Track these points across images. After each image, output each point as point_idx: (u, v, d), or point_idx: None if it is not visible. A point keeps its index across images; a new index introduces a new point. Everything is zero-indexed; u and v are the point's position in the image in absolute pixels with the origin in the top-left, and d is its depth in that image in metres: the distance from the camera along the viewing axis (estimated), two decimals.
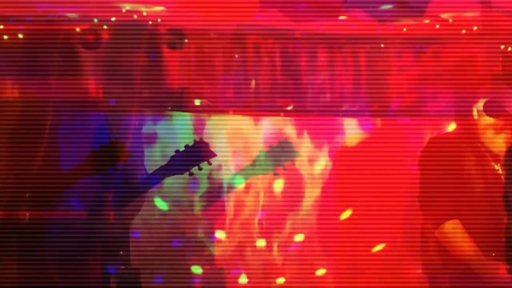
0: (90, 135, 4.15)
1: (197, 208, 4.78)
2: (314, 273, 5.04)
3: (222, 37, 4.81)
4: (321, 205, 5.08)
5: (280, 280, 5.03)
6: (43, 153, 4.04)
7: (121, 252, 4.19)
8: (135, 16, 4.61)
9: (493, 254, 4.04)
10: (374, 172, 4.92)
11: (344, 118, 5.06)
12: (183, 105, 4.76)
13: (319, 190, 5.08)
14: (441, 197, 4.06)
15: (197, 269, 4.79)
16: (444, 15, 4.89)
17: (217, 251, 4.90)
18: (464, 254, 4.06)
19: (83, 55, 4.34)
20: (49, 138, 4.07)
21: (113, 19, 4.55)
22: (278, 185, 5.02)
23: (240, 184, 4.78)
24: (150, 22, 4.58)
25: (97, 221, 4.08)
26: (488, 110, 4.16)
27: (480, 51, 4.87)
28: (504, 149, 4.15)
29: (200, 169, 4.15)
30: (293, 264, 5.04)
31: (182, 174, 4.16)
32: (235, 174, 4.70)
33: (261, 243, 5.01)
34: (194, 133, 4.80)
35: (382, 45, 4.99)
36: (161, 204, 4.79)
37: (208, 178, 4.77)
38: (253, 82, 4.83)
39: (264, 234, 5.01)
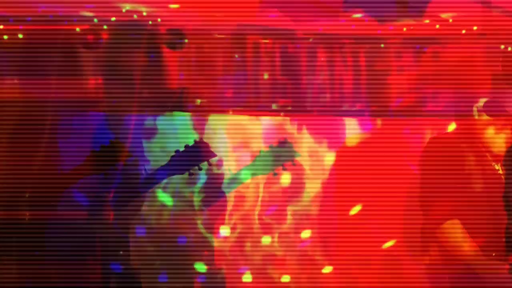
0: (90, 135, 4.15)
1: (197, 203, 4.77)
2: (320, 271, 5.04)
3: (222, 37, 4.81)
4: (321, 205, 5.08)
5: (285, 278, 5.03)
6: (43, 153, 4.04)
7: (121, 252, 4.19)
8: (135, 16, 4.60)
9: (493, 254, 4.04)
10: (374, 172, 4.92)
11: (344, 118, 5.06)
12: (183, 105, 4.76)
13: (319, 190, 5.08)
14: (441, 197, 4.06)
15: (201, 266, 4.79)
16: (444, 15, 4.89)
17: (221, 248, 4.90)
18: (464, 254, 4.06)
19: (83, 55, 4.34)
20: (49, 138, 4.07)
21: (113, 19, 4.54)
22: (285, 180, 5.02)
23: (240, 184, 4.78)
24: (150, 22, 4.58)
25: (97, 221, 4.08)
26: (488, 110, 4.16)
27: (480, 51, 4.86)
28: (504, 149, 4.15)
29: (200, 169, 4.15)
30: (299, 261, 5.05)
31: (182, 174, 4.16)
32: (235, 174, 4.70)
33: (266, 239, 5.01)
34: (194, 129, 4.80)
35: (382, 45, 4.99)
36: (166, 199, 4.78)
37: (208, 174, 4.77)
38: (266, 75, 4.83)
39: (268, 231, 5.02)
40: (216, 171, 4.75)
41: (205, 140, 4.23)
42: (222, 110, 4.86)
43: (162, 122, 4.70)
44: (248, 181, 4.75)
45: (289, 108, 4.94)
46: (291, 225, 5.06)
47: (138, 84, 4.36)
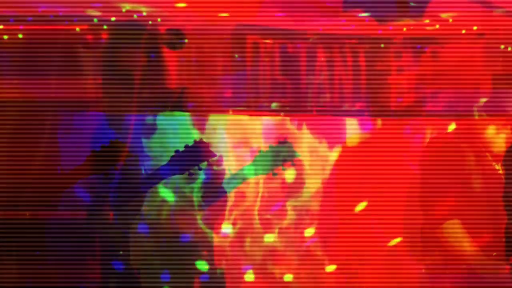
0: (90, 135, 4.15)
1: (197, 201, 4.77)
2: (323, 269, 5.04)
3: (222, 37, 4.81)
4: (321, 205, 5.08)
5: (288, 277, 5.03)
6: (43, 153, 4.04)
7: (120, 252, 4.19)
8: (135, 16, 4.60)
9: (494, 254, 4.04)
10: (374, 172, 4.92)
11: (344, 118, 5.05)
12: (183, 105, 4.75)
13: (319, 187, 5.08)
14: (442, 197, 4.06)
15: (203, 265, 4.78)
16: (444, 15, 4.89)
17: (221, 245, 4.90)
18: (464, 254, 4.06)
19: (83, 55, 4.34)
20: (49, 138, 4.07)
21: (113, 19, 4.54)
22: (289, 175, 5.02)
23: (239, 184, 4.78)
24: (150, 22, 4.58)
25: (97, 220, 4.08)
26: (488, 110, 4.16)
27: (480, 51, 4.87)
28: (504, 149, 4.15)
29: (200, 169, 4.15)
30: (301, 259, 5.05)
31: (182, 174, 4.16)
32: (235, 174, 4.70)
33: (269, 238, 5.01)
34: (193, 127, 4.80)
35: (382, 45, 4.99)
36: (168, 195, 4.77)
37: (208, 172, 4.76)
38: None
39: (268, 227, 5.01)
40: (216, 169, 4.75)
41: (205, 139, 4.23)
42: (222, 110, 4.86)
43: (162, 120, 4.69)
44: (249, 179, 4.75)
45: (289, 108, 4.94)
46: (291, 222, 5.06)
47: (138, 84, 4.36)
